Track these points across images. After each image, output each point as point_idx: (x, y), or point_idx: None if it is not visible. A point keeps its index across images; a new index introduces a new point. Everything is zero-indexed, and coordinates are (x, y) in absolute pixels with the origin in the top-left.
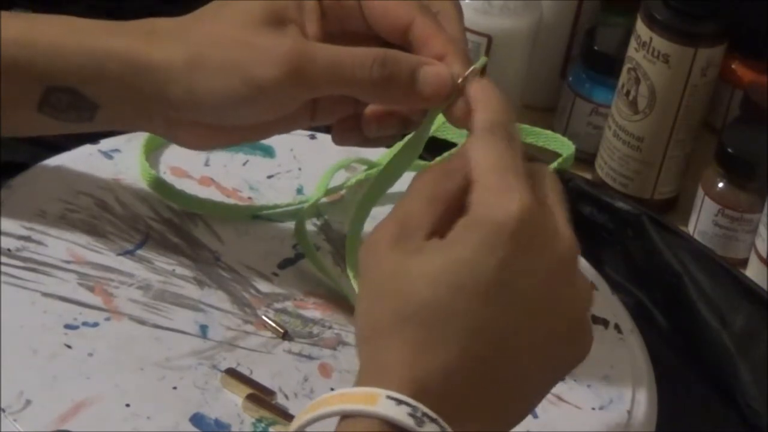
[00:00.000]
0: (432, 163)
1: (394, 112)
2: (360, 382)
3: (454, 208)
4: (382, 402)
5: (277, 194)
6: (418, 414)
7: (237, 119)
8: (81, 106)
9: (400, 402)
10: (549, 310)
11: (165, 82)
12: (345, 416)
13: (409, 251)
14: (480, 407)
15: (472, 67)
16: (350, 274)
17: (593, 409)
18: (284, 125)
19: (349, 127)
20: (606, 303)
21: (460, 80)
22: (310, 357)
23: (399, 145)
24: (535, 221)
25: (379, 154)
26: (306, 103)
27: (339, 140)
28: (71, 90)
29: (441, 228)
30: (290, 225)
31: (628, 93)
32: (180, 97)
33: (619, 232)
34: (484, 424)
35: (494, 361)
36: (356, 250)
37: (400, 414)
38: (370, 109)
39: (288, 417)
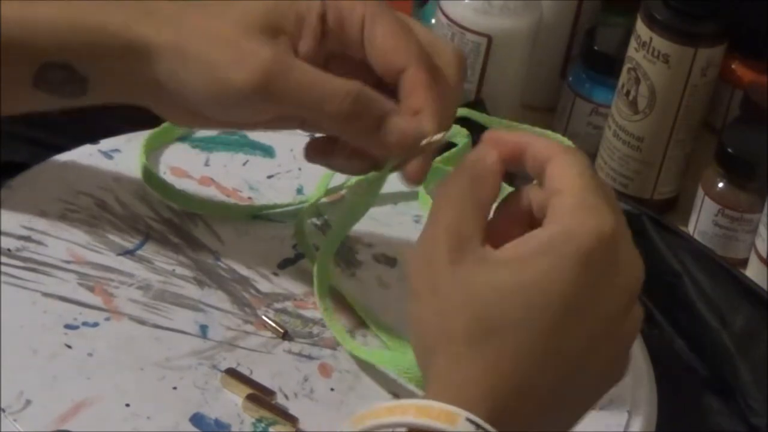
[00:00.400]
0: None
1: (364, 153)
2: (432, 394)
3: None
4: (461, 424)
5: (277, 194)
6: None
7: (212, 114)
8: (74, 81)
9: (478, 427)
10: (609, 334)
11: (154, 62)
12: (417, 429)
13: (474, 261)
14: (539, 428)
15: (436, 137)
16: (321, 305)
17: (593, 409)
18: (271, 124)
19: (320, 149)
20: None
21: (423, 142)
22: (310, 357)
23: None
24: (618, 246)
25: None
26: None
27: (308, 157)
28: (66, 65)
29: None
30: (290, 225)
31: (628, 93)
32: (165, 81)
33: None
34: None
35: (559, 384)
36: (325, 283)
37: None
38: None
39: (288, 417)
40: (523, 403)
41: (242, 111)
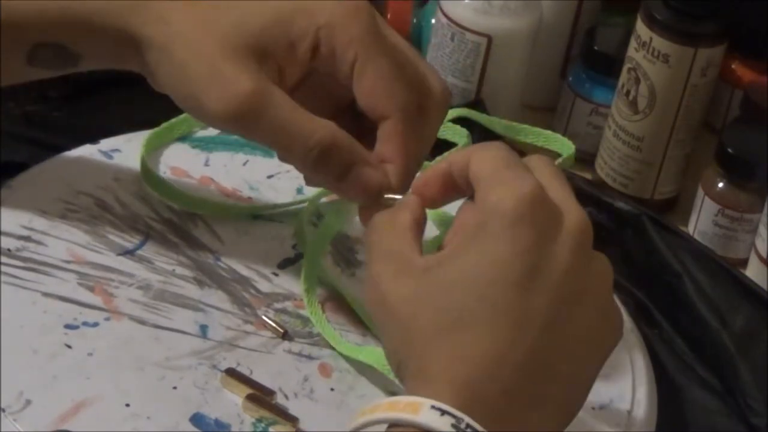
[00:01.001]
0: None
1: None
2: (409, 393)
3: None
4: (425, 412)
5: (277, 194)
6: (462, 425)
7: (191, 115)
8: (67, 56)
9: (443, 412)
10: (579, 287)
11: (143, 51)
12: (393, 425)
13: (419, 272)
14: (540, 400)
15: (397, 196)
16: (308, 306)
17: (593, 408)
18: None
19: None
20: None
21: (385, 195)
22: (310, 357)
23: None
24: (546, 202)
25: None
26: None
27: (281, 159)
28: (58, 44)
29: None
30: (290, 225)
31: (628, 93)
32: (153, 69)
33: (619, 232)
34: (546, 417)
35: (545, 351)
36: (314, 285)
37: (442, 425)
38: None
39: (288, 417)
40: (504, 379)
41: (215, 128)
